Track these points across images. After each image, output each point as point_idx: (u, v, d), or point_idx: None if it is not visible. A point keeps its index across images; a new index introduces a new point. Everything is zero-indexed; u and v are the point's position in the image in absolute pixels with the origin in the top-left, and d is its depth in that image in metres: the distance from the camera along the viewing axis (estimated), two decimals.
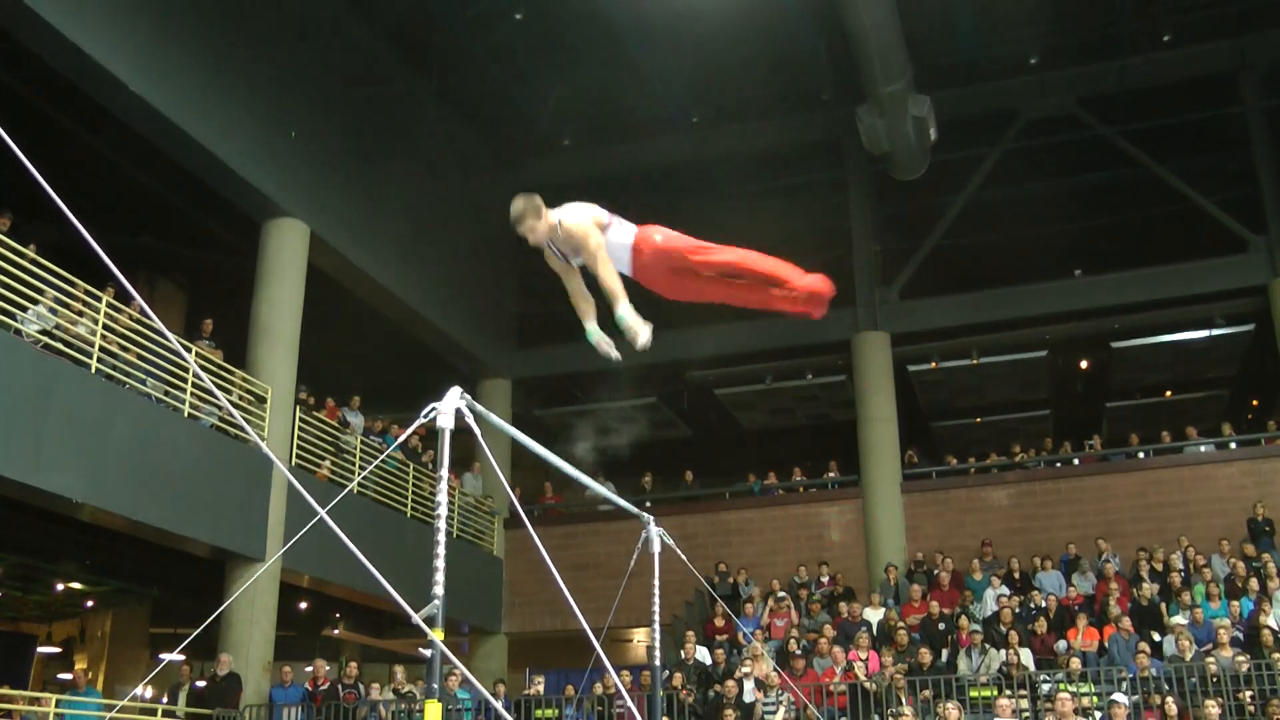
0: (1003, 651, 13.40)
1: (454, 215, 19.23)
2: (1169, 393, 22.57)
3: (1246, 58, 18.24)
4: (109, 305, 11.86)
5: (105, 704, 12.66)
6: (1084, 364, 22.37)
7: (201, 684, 13.84)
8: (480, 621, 18.64)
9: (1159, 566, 15.31)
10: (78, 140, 15.36)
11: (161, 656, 16.60)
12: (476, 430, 4.51)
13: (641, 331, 4.83)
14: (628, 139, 20.13)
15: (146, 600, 21.76)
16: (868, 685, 13.07)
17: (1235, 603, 13.99)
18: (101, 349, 11.52)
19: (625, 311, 4.84)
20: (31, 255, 10.96)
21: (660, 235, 5.13)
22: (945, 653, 14.15)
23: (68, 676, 21.61)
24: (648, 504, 18.72)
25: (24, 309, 10.79)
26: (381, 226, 16.80)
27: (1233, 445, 18.06)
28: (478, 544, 18.74)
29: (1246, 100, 18.37)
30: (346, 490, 5.81)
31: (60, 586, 20.21)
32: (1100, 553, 15.91)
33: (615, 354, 5.06)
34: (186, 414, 12.66)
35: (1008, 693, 12.28)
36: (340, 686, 14.00)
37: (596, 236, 5.05)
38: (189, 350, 12.79)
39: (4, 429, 10.17)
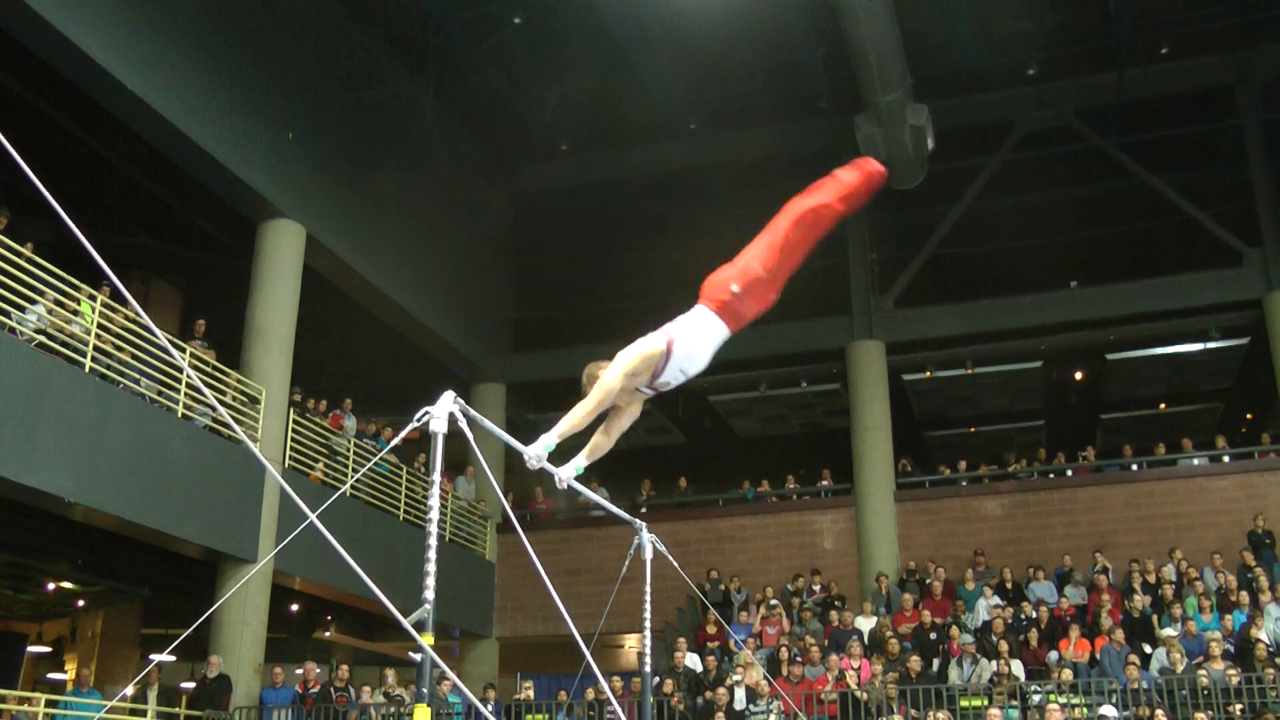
0: (994, 662, 13.40)
1: (451, 219, 19.24)
2: (1163, 405, 22.63)
3: (1243, 71, 18.30)
4: (104, 304, 11.85)
5: (105, 705, 12.61)
6: (1079, 375, 22.41)
7: (188, 685, 13.84)
8: (471, 626, 18.61)
9: (1151, 578, 15.32)
10: (75, 140, 15.37)
11: (151, 657, 16.52)
12: (469, 434, 4.51)
13: (532, 460, 4.99)
14: (625, 144, 20.14)
15: (138, 600, 21.72)
16: (859, 694, 13.07)
17: (1227, 616, 14.01)
18: (96, 348, 11.51)
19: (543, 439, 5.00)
20: (28, 254, 10.95)
21: (732, 283, 5.15)
22: (936, 662, 14.16)
23: (58, 676, 21.61)
24: (642, 510, 18.73)
25: (20, 308, 10.77)
26: (378, 229, 16.80)
27: (1226, 458, 18.06)
28: (470, 548, 18.72)
29: (1243, 114, 18.41)
30: (339, 494, 5.80)
31: (51, 586, 20.16)
32: (1095, 564, 15.91)
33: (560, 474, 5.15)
34: (180, 414, 12.65)
35: (999, 703, 12.29)
36: (331, 689, 13.98)
37: (608, 375, 5.08)
38: (182, 350, 12.78)
39: None
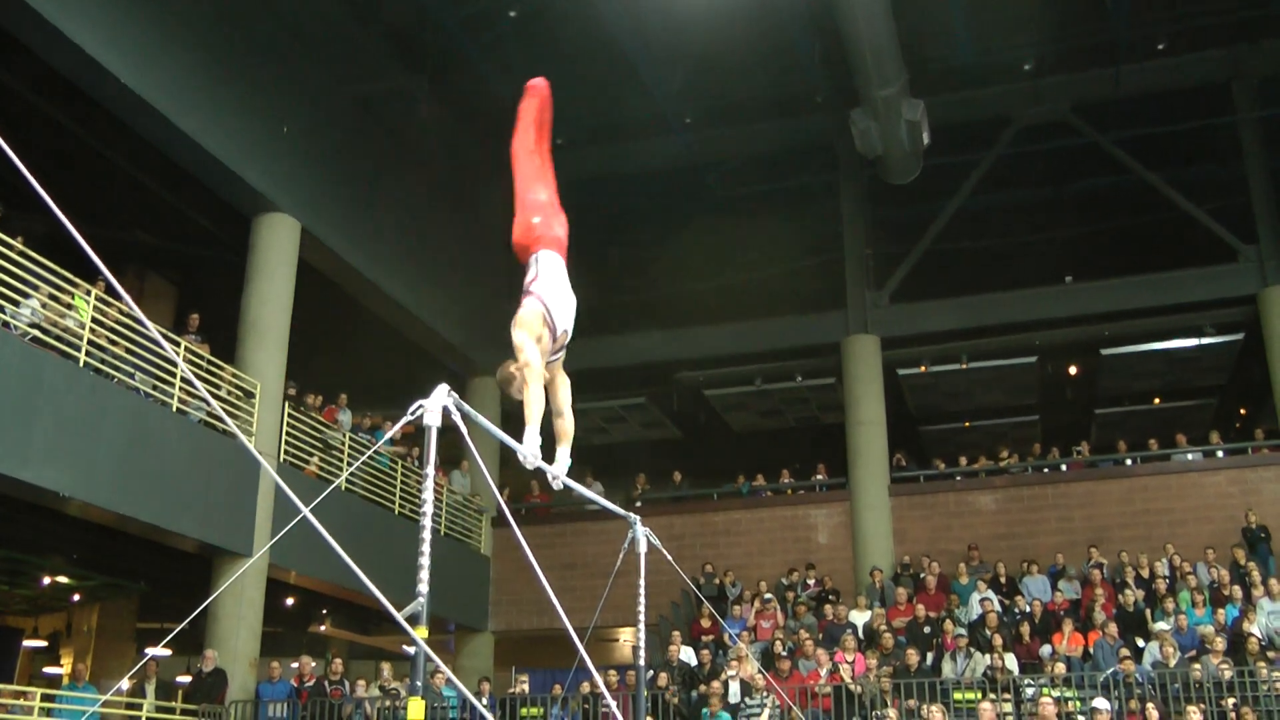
0: (987, 655, 13.43)
1: (446, 212, 19.23)
2: (1158, 400, 22.65)
3: (1240, 67, 18.30)
4: (98, 299, 11.83)
5: (100, 699, 12.61)
6: (1073, 370, 22.43)
7: (184, 679, 13.84)
8: (467, 620, 18.62)
9: (1145, 573, 15.35)
10: (70, 134, 15.32)
11: (147, 651, 16.52)
12: (463, 428, 4.51)
13: (530, 459, 5.08)
14: (621, 140, 20.12)
15: (134, 595, 21.72)
16: (853, 687, 13.09)
17: (1220, 610, 14.04)
18: (90, 343, 11.49)
19: (530, 438, 5.08)
20: (19, 247, 10.92)
21: (532, 218, 5.67)
22: (930, 656, 14.19)
23: (54, 670, 21.60)
24: (637, 504, 18.74)
25: (14, 302, 10.75)
26: (373, 223, 16.79)
27: (1220, 454, 18.11)
28: (465, 542, 18.73)
29: (1239, 110, 18.42)
30: (332, 486, 5.79)
31: (47, 580, 20.17)
32: (1089, 558, 15.93)
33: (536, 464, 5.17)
34: (175, 409, 12.64)
35: (991, 696, 12.32)
36: (326, 683, 13.99)
37: (526, 355, 5.19)
38: (176, 345, 12.77)
39: None
